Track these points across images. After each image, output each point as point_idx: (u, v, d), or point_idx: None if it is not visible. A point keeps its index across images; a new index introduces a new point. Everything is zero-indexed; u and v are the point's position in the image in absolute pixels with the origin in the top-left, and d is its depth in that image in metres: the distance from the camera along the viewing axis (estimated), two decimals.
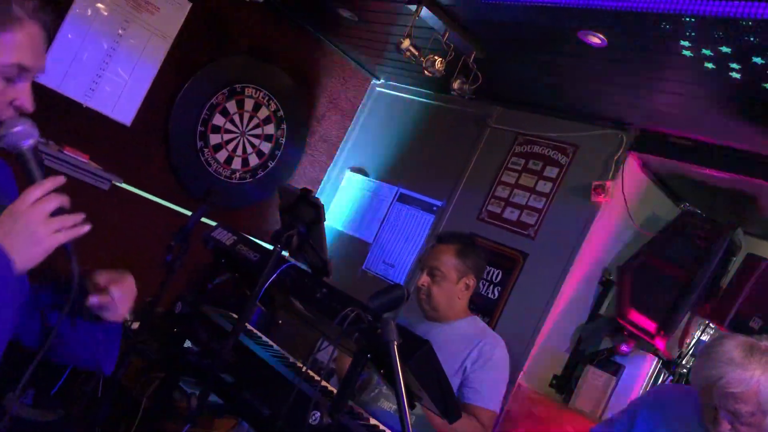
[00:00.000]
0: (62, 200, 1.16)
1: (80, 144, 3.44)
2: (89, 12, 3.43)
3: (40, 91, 3.32)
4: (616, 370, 3.33)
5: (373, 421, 2.32)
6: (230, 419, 3.06)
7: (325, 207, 4.60)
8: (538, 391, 3.37)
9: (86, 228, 1.17)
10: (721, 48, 2.18)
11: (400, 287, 1.45)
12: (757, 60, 2.13)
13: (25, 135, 1.18)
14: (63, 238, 1.15)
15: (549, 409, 3.30)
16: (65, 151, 3.34)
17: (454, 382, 2.51)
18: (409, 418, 2.50)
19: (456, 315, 2.68)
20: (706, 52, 2.24)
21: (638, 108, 3.12)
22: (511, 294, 3.46)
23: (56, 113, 3.42)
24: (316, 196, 4.58)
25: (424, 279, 2.63)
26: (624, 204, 3.35)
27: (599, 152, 3.42)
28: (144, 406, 2.76)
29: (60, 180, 1.17)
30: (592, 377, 3.35)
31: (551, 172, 3.58)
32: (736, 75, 2.30)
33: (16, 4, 1.16)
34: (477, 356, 2.53)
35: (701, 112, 2.82)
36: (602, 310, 3.49)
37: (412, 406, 2.28)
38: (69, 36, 3.40)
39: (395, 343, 1.35)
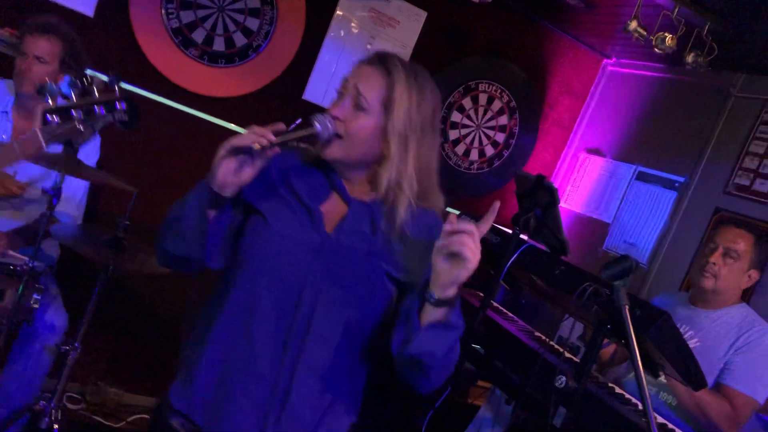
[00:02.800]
0: (257, 128, 1.32)
1: None
2: (342, 33, 3.96)
3: (308, 107, 3.93)
4: None
5: (618, 390, 2.47)
6: (483, 386, 3.37)
7: (560, 190, 4.75)
8: None
9: (263, 140, 1.29)
10: None
11: (629, 258, 1.59)
12: None
13: (320, 121, 1.43)
14: (234, 143, 1.31)
15: None
16: None
17: (717, 368, 2.52)
18: (652, 388, 2.60)
19: (728, 303, 2.66)
20: None
21: None
22: None
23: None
24: (552, 179, 4.74)
25: (717, 257, 2.61)
26: None
27: None
28: None
29: (279, 125, 1.35)
30: None
31: None
32: None
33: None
34: (742, 343, 2.50)
35: None
36: None
37: (655, 375, 2.39)
38: (326, 57, 3.96)
39: (626, 306, 1.51)
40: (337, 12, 3.92)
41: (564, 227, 4.46)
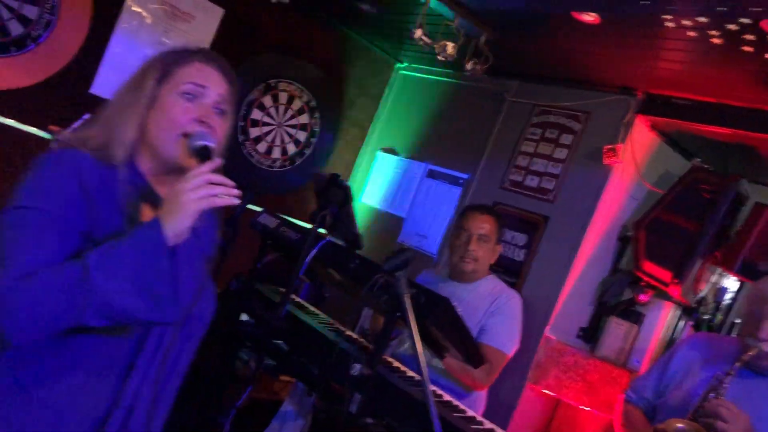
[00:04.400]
0: (215, 177, 1.29)
1: None
2: (134, 23, 3.80)
3: (97, 102, 3.73)
4: (636, 319, 3.59)
5: (410, 373, 2.65)
6: (285, 380, 3.43)
7: (359, 187, 4.94)
8: (566, 342, 3.65)
9: (234, 200, 1.29)
10: (698, 18, 2.40)
11: (409, 250, 1.74)
12: (731, 27, 2.35)
13: (207, 138, 1.39)
14: (206, 203, 1.27)
15: (576, 357, 3.59)
16: None
17: (475, 332, 2.85)
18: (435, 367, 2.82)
19: (481, 276, 3.06)
20: (687, 22, 2.46)
21: (642, 74, 3.33)
22: (536, 255, 3.73)
23: None
24: (351, 177, 4.92)
25: (474, 243, 2.98)
26: (635, 164, 3.58)
27: (610, 117, 3.64)
28: (209, 376, 3.15)
29: (217, 162, 1.33)
30: (615, 327, 3.62)
31: (566, 139, 3.82)
32: (717, 41, 2.52)
33: (191, 51, 1.48)
34: (494, 308, 2.92)
35: (698, 74, 3.03)
36: (622, 265, 3.73)
37: (441, 357, 2.61)
38: (117, 49, 3.78)
39: (407, 295, 1.65)
40: (128, 2, 3.75)
41: (363, 222, 4.67)
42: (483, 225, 3.02)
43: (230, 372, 3.07)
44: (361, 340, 2.77)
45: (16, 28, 3.45)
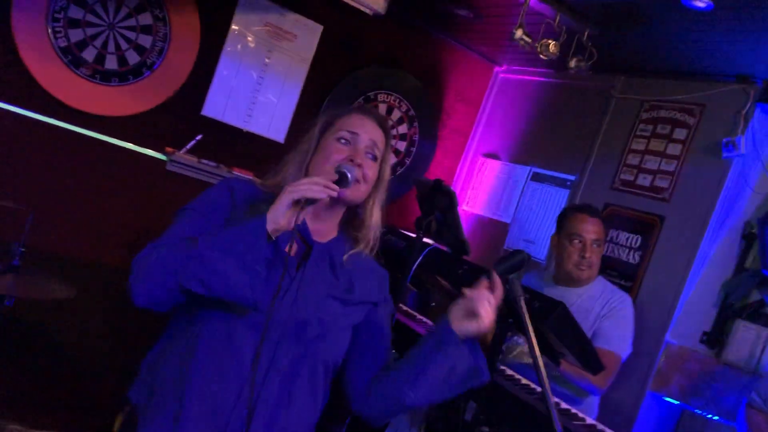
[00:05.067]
0: (318, 179, 1.47)
1: (245, 164, 3.98)
2: (239, 47, 3.95)
3: (208, 123, 3.90)
4: (766, 321, 3.34)
5: (524, 381, 2.58)
6: None
7: (461, 194, 4.90)
8: (689, 347, 3.46)
9: (322, 193, 1.45)
10: None
11: (521, 252, 1.70)
12: None
13: (349, 169, 1.56)
14: (297, 194, 1.43)
15: (701, 364, 3.38)
16: (234, 172, 3.88)
17: (588, 336, 2.76)
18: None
19: (590, 279, 2.97)
20: None
21: (760, 60, 3.12)
22: (652, 257, 3.56)
23: (222, 140, 3.97)
24: (452, 184, 4.89)
25: (590, 250, 2.90)
26: (758, 156, 3.35)
27: (727, 109, 3.43)
28: None
29: (338, 189, 1.50)
30: (743, 330, 3.38)
31: (680, 134, 3.63)
32: None
33: (353, 107, 1.74)
34: (606, 311, 2.84)
35: None
36: (747, 264, 3.50)
37: (557, 363, 2.53)
38: (224, 72, 3.93)
39: (521, 298, 1.60)
40: (233, 27, 3.91)
41: (466, 230, 4.62)
42: (595, 229, 2.93)
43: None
44: None
45: (133, 58, 3.66)
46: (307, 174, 1.61)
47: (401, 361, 1.66)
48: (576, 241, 2.91)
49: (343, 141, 1.62)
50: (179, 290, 1.41)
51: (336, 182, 1.51)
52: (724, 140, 3.30)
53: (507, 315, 2.17)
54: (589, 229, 2.92)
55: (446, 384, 1.60)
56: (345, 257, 1.62)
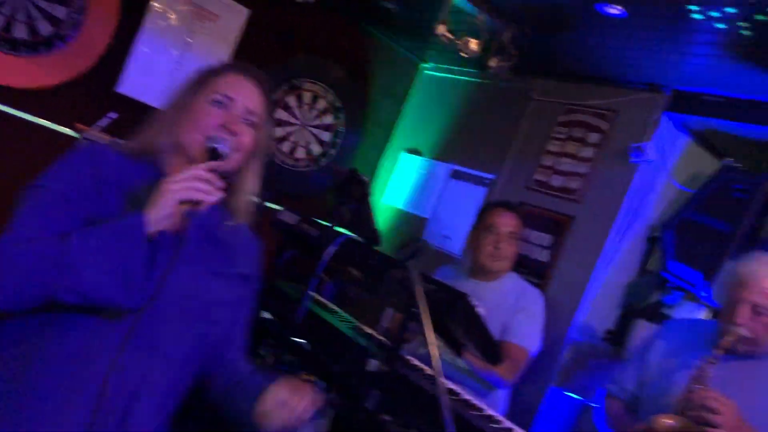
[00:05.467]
0: (202, 174, 1.35)
1: None
2: (159, 24, 3.83)
3: (123, 101, 3.77)
4: (664, 321, 3.49)
5: (429, 371, 2.61)
6: (306, 378, 3.41)
7: (384, 187, 4.91)
8: (592, 344, 3.58)
9: (210, 197, 1.35)
10: (726, 9, 2.33)
11: (421, 240, 1.72)
12: (760, 18, 2.28)
13: (222, 143, 1.46)
14: (184, 194, 1.32)
15: (602, 360, 3.51)
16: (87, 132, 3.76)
17: (498, 330, 2.83)
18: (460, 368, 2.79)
19: (502, 273, 3.06)
20: (714, 14, 2.40)
21: (669, 71, 3.26)
22: (561, 256, 3.66)
23: (139, 120, 3.83)
24: (375, 178, 4.90)
25: (503, 241, 2.98)
26: (663, 163, 3.50)
27: (637, 116, 3.57)
28: None
29: (214, 164, 1.40)
30: (642, 329, 3.53)
31: (594, 138, 3.75)
32: (746, 32, 2.45)
33: (228, 65, 1.61)
34: (518, 306, 2.91)
35: (727, 69, 2.95)
36: (650, 266, 3.65)
37: (459, 353, 2.57)
38: (143, 49, 3.81)
39: (419, 287, 1.62)
40: (153, 3, 3.79)
41: (387, 223, 4.64)
42: (511, 222, 3.01)
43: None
44: (381, 338, 2.75)
45: (45, 28, 3.50)
46: (176, 138, 1.49)
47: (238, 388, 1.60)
48: (491, 233, 2.98)
49: (216, 104, 1.50)
50: (46, 299, 1.28)
51: (208, 159, 1.43)
52: (632, 145, 3.42)
53: (411, 304, 2.19)
54: (505, 221, 3.00)
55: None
56: (223, 229, 1.55)
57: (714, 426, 1.93)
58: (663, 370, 2.27)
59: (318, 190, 4.69)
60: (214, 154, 1.44)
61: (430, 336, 1.60)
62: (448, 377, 2.34)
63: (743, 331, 2.07)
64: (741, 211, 3.24)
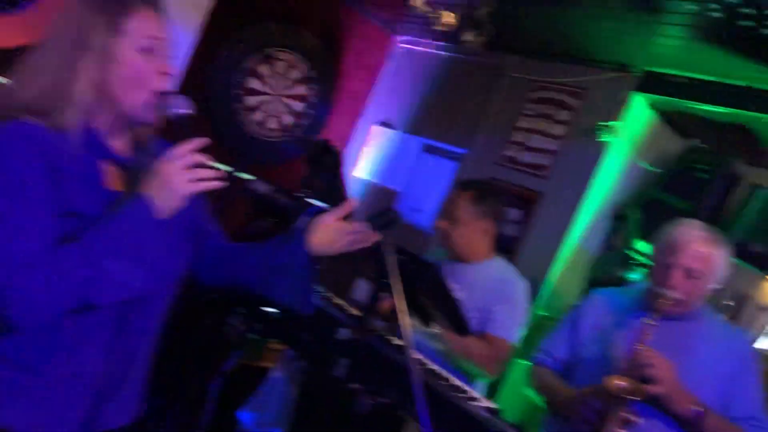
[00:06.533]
0: (200, 158, 1.30)
1: None
2: None
3: None
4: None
5: (398, 341, 2.65)
6: (275, 348, 3.44)
7: (354, 160, 4.91)
8: (557, 318, 3.66)
9: (219, 183, 1.31)
10: None
11: (393, 210, 1.72)
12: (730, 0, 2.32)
13: (184, 105, 1.37)
14: (195, 187, 1.29)
15: None
16: None
17: (475, 317, 2.68)
18: (428, 336, 2.82)
19: (477, 257, 2.82)
20: None
21: (640, 51, 3.31)
22: (530, 231, 3.73)
23: None
24: (346, 149, 4.90)
25: (442, 222, 2.79)
26: (631, 143, 3.57)
27: (607, 95, 3.62)
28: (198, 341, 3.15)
29: (204, 141, 1.31)
30: None
31: (564, 115, 3.80)
32: (716, 14, 2.49)
33: None
34: (499, 295, 2.70)
35: (697, 51, 3.01)
36: (615, 243, 3.73)
37: (427, 324, 2.60)
38: None
39: (390, 257, 1.64)
40: None
41: (357, 195, 4.65)
42: (455, 201, 2.79)
43: (218, 337, 3.08)
44: (351, 309, 2.77)
45: None
46: (103, 93, 1.33)
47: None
48: (445, 216, 2.83)
49: (147, 51, 1.35)
50: (81, 305, 1.27)
51: (182, 129, 1.35)
52: (600, 123, 3.48)
53: (381, 275, 2.22)
54: (449, 201, 2.84)
55: (264, 277, 1.62)
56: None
57: (654, 382, 2.01)
58: (600, 333, 2.32)
59: (289, 160, 4.68)
60: (180, 120, 1.36)
61: (401, 306, 1.63)
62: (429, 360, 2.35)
63: (678, 294, 2.13)
64: (704, 191, 3.33)
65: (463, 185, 2.86)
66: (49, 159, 1.27)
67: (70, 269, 1.22)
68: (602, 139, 3.50)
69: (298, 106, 4.63)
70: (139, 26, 1.35)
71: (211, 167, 1.31)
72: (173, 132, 1.36)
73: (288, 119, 4.61)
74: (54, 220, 1.27)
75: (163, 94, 1.37)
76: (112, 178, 1.38)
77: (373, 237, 1.63)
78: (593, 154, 3.57)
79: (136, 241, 1.28)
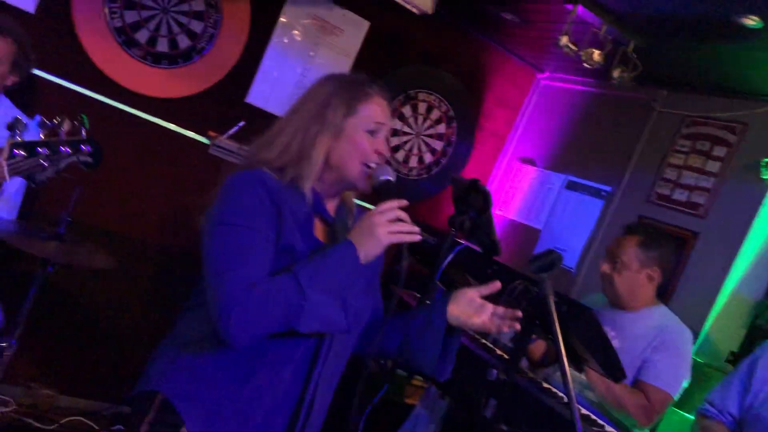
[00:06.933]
0: (401, 214, 1.53)
1: None
2: (286, 39, 4.02)
3: (251, 111, 3.98)
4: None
5: (546, 385, 2.60)
6: (417, 384, 3.47)
7: (495, 197, 4.90)
8: (715, 367, 3.44)
9: (417, 237, 1.54)
10: None
11: (555, 251, 1.72)
12: None
13: (388, 173, 1.62)
14: (395, 239, 1.51)
15: None
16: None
17: (635, 366, 2.63)
18: (577, 386, 2.75)
19: (640, 304, 2.75)
20: None
21: None
22: (683, 272, 3.54)
23: (265, 128, 4.03)
24: (486, 186, 4.90)
25: (606, 266, 2.75)
26: None
27: None
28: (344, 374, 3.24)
29: (403, 202, 1.55)
30: None
31: (720, 151, 3.61)
32: None
33: (368, 85, 1.70)
34: (659, 343, 2.61)
35: None
36: None
37: (580, 369, 2.54)
38: (270, 62, 4.01)
39: (551, 296, 1.63)
40: (281, 19, 3.98)
41: (498, 233, 4.63)
42: (621, 245, 2.74)
43: (365, 371, 3.15)
44: (496, 348, 2.76)
45: (183, 42, 3.76)
46: (328, 161, 1.62)
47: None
48: (605, 255, 2.82)
49: (371, 133, 1.64)
50: (285, 329, 1.47)
51: (383, 192, 1.58)
52: (765, 160, 3.27)
53: (534, 316, 2.20)
54: (614, 244, 2.81)
55: (402, 344, 1.75)
56: (351, 222, 1.73)
57: None
58: None
59: (429, 197, 4.76)
60: (387, 186, 1.59)
61: (561, 348, 1.61)
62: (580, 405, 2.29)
63: None
64: None
65: (630, 229, 2.81)
66: (278, 204, 1.53)
67: (282, 294, 1.43)
68: (765, 177, 3.29)
69: (438, 144, 4.72)
70: (370, 112, 1.65)
71: (410, 223, 1.52)
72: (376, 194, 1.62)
73: (428, 158, 4.71)
74: (270, 251, 1.50)
75: (377, 165, 1.62)
76: (318, 230, 1.64)
77: (517, 325, 1.73)
78: (755, 192, 3.36)
79: (339, 277, 1.48)
